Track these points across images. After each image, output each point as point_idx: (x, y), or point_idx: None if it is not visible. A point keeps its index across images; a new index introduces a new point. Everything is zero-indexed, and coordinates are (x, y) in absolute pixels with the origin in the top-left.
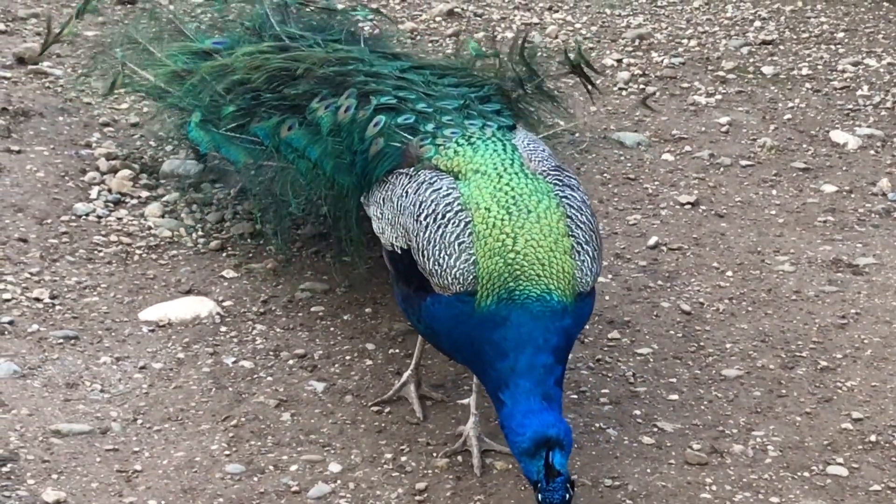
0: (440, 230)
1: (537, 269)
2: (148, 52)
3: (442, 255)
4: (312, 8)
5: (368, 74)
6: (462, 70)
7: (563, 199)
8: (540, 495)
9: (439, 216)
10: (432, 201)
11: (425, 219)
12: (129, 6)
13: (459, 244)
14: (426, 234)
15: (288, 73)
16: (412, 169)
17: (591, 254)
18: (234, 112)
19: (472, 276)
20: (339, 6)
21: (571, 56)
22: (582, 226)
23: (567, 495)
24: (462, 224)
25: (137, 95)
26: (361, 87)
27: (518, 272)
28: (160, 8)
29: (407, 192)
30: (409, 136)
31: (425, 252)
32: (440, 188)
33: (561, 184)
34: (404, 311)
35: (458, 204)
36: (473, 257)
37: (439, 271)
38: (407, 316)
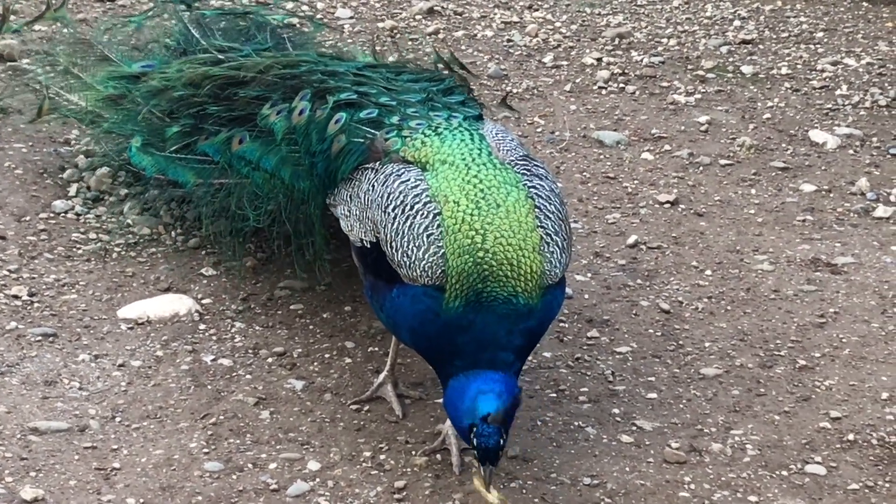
0: (408, 221)
1: (506, 269)
2: (73, 75)
3: (410, 247)
4: (229, 14)
5: (325, 73)
6: (415, 67)
7: (532, 189)
8: (475, 440)
9: (407, 207)
10: (400, 192)
11: (393, 210)
12: (108, 3)
13: (428, 236)
14: (394, 226)
15: (234, 82)
16: (378, 163)
17: (560, 244)
18: (179, 132)
19: (440, 270)
20: (253, 6)
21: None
22: (551, 216)
23: (501, 440)
24: (431, 215)
25: (68, 121)
26: (318, 85)
27: (487, 273)
28: (80, 32)
29: (374, 186)
30: (374, 131)
31: (393, 243)
32: (408, 179)
33: (529, 173)
34: (369, 300)
35: (427, 195)
36: (442, 250)
37: (408, 262)
38: (371, 304)
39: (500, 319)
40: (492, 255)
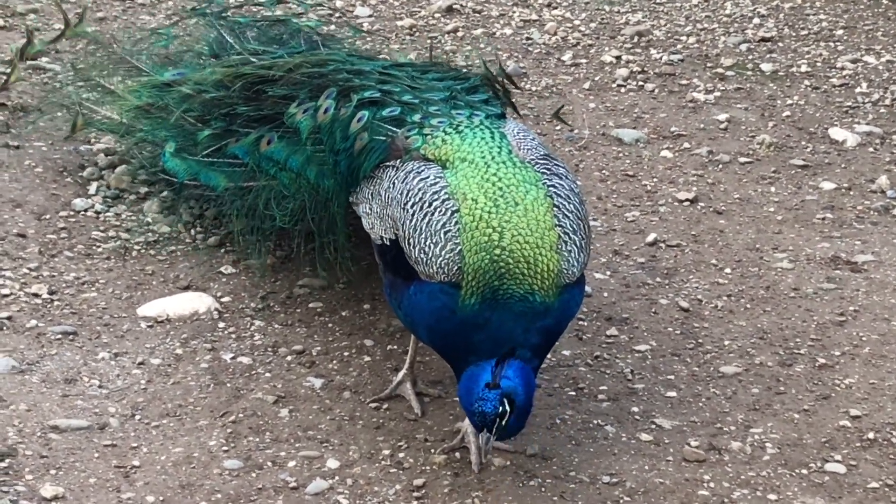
0: (426, 218)
1: (522, 267)
2: (105, 89)
3: (428, 244)
4: (263, 21)
5: (351, 72)
6: (442, 66)
7: (551, 188)
8: (475, 404)
9: (426, 204)
10: (419, 189)
11: (412, 207)
12: (127, 2)
13: (445, 233)
14: (412, 222)
15: (263, 81)
16: (399, 161)
17: (578, 243)
18: (210, 135)
19: (457, 268)
20: (285, 13)
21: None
22: (569, 215)
23: (501, 408)
24: (449, 213)
25: (102, 134)
26: (343, 84)
27: (503, 270)
28: (112, 45)
29: (394, 184)
30: (395, 129)
31: (411, 240)
32: (427, 177)
33: (549, 172)
34: (388, 298)
35: (445, 192)
36: (459, 247)
37: (425, 259)
38: (389, 302)
39: (517, 317)
40: (508, 252)
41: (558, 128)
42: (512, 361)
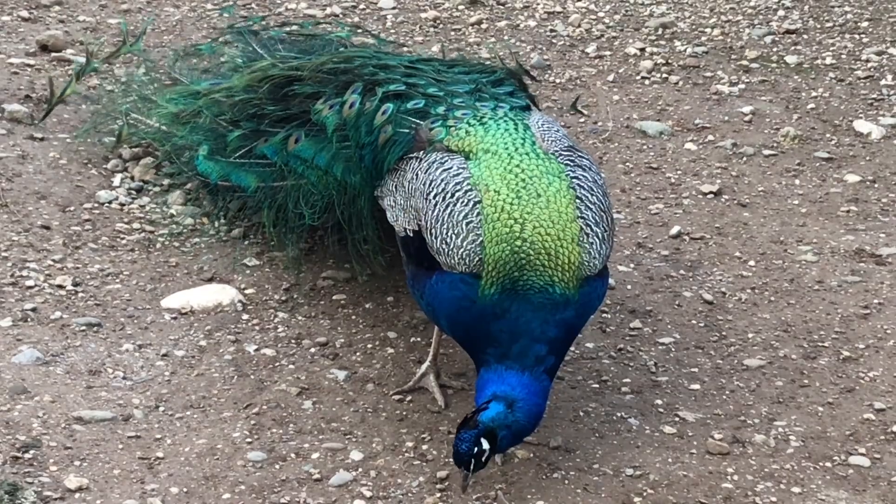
0: (448, 209)
1: (543, 258)
2: (148, 100)
3: (449, 234)
4: (297, 34)
5: (377, 66)
6: (469, 61)
7: (574, 180)
8: (454, 442)
9: (448, 195)
10: (442, 180)
11: (434, 197)
12: None
13: (467, 223)
14: (435, 213)
15: (291, 79)
16: (422, 152)
17: (600, 235)
18: (240, 136)
19: (477, 258)
20: (319, 30)
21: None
22: (592, 206)
23: (475, 448)
24: (471, 203)
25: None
26: (369, 77)
27: (524, 261)
28: (154, 62)
29: (417, 175)
30: (419, 121)
31: (433, 230)
32: (450, 168)
33: (573, 164)
34: (411, 289)
35: (468, 183)
36: (480, 238)
37: (446, 250)
38: (412, 293)
39: (536, 309)
40: (529, 244)
41: (582, 120)
42: (514, 374)
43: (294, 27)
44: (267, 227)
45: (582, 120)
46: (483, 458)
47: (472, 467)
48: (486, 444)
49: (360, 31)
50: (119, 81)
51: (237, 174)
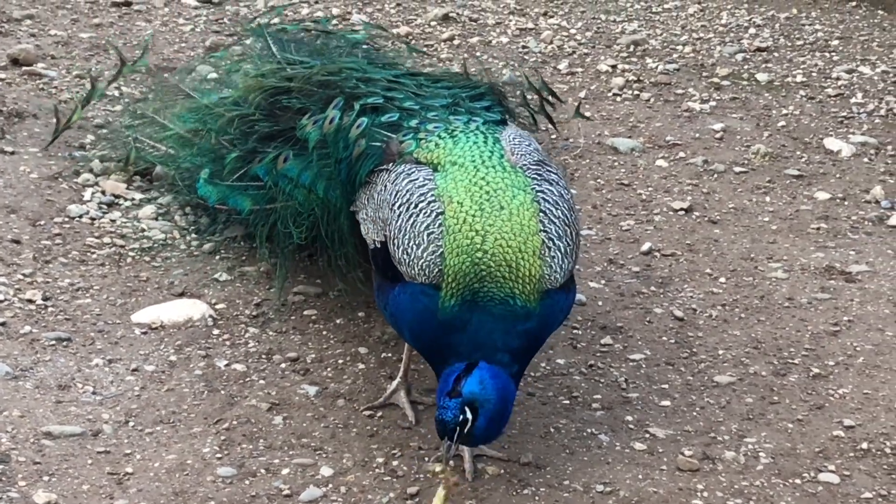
0: (412, 219)
1: (504, 270)
2: (158, 123)
3: (411, 245)
4: (312, 30)
5: (360, 79)
6: (459, 77)
7: (539, 194)
8: (437, 411)
9: (412, 205)
10: (407, 191)
11: (399, 207)
12: (124, 8)
13: (429, 234)
14: (398, 223)
15: (281, 92)
16: (392, 164)
17: (562, 249)
18: (236, 157)
19: (437, 269)
20: (337, 27)
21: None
22: (556, 220)
23: (460, 416)
24: (434, 214)
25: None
26: (351, 91)
27: (484, 273)
28: (167, 79)
29: (385, 186)
30: (392, 134)
31: (396, 240)
32: (416, 179)
33: (540, 178)
34: (377, 300)
35: (433, 194)
36: (441, 249)
37: (408, 260)
38: (378, 304)
39: (497, 320)
40: (490, 256)
41: (553, 136)
42: (485, 366)
43: (310, 24)
44: (259, 246)
45: (554, 136)
46: (466, 429)
47: (455, 436)
48: (469, 414)
49: (384, 33)
50: (126, 105)
51: (234, 197)
